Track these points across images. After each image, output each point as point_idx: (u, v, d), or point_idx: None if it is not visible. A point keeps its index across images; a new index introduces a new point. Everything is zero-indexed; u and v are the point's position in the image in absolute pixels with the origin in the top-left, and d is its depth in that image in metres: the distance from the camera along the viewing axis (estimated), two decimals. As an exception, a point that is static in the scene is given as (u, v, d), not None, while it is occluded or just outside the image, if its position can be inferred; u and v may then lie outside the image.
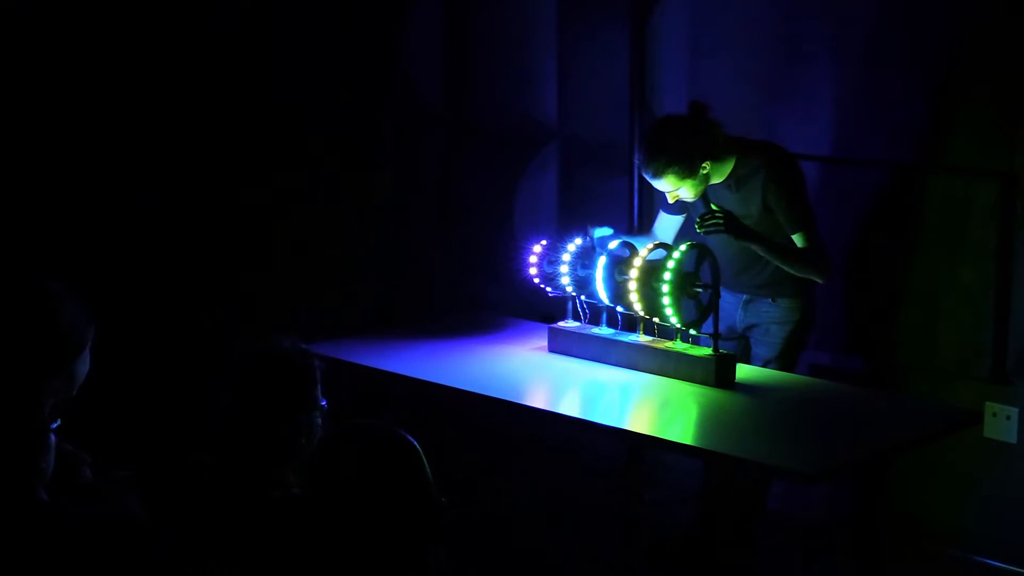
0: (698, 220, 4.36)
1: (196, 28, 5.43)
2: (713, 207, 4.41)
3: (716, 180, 4.48)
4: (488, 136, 5.93)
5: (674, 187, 4.40)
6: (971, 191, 4.71)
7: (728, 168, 4.47)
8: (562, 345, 4.51)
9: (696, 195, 4.45)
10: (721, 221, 4.31)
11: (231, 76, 5.53)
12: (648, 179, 4.42)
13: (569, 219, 5.50)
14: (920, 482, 4.94)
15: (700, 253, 4.27)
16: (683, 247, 4.25)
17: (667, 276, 4.15)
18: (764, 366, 4.63)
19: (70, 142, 5.17)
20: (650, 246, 4.32)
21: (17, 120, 5.07)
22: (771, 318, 4.62)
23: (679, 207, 4.62)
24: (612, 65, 5.49)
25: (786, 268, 4.48)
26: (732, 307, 4.65)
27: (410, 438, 2.50)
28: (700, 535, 4.77)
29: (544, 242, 4.53)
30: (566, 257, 4.44)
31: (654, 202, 4.59)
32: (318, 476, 2.51)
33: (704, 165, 4.38)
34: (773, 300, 4.61)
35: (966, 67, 4.70)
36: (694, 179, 4.38)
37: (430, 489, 2.48)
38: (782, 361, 4.61)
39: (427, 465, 2.49)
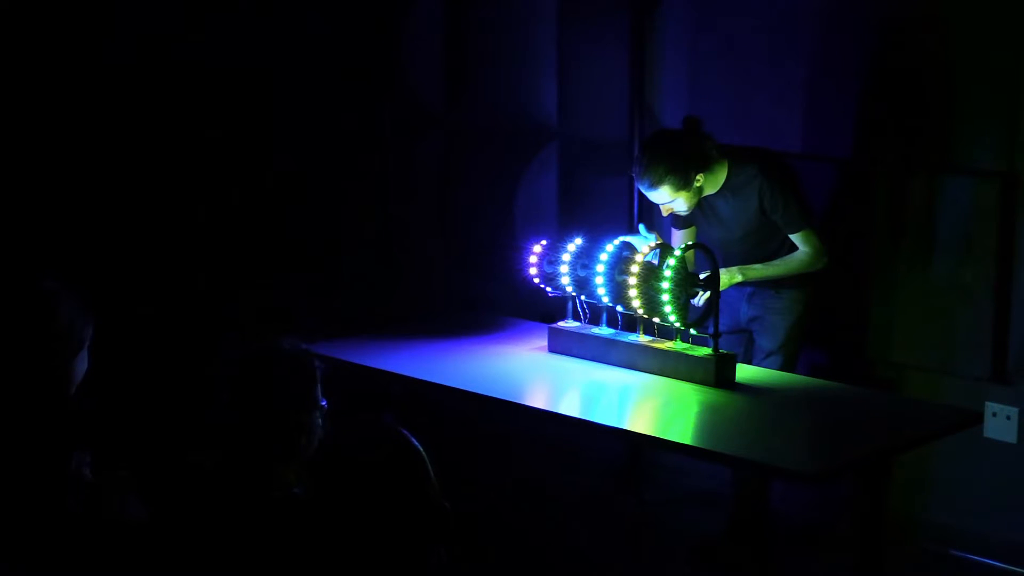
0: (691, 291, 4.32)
1: (195, 26, 5.43)
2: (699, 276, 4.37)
3: (710, 191, 4.55)
4: (488, 136, 5.93)
5: (670, 198, 4.46)
6: (971, 191, 4.71)
7: (721, 178, 4.54)
8: (562, 345, 4.51)
9: (690, 207, 4.52)
10: (715, 287, 4.29)
11: (230, 76, 5.53)
12: (644, 190, 4.49)
13: (569, 219, 5.50)
14: (920, 482, 4.94)
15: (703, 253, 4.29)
16: (683, 247, 4.27)
17: (667, 275, 4.16)
18: (767, 357, 4.66)
19: (69, 142, 5.17)
20: (651, 244, 4.33)
21: (16, 120, 5.06)
22: (775, 309, 4.68)
23: (687, 221, 4.68)
24: (612, 65, 5.49)
25: (790, 277, 4.60)
26: (736, 300, 4.70)
27: (413, 439, 2.50)
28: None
29: (544, 242, 4.53)
30: (566, 257, 4.44)
31: (654, 204, 4.60)
32: (320, 477, 2.51)
33: (698, 178, 4.45)
34: (777, 291, 4.66)
35: (966, 67, 4.70)
36: (688, 191, 4.46)
37: (432, 491, 2.47)
38: (785, 352, 4.67)
39: (431, 468, 2.49)
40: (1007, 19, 4.61)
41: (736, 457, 3.76)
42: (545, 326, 4.61)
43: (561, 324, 4.55)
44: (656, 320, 4.29)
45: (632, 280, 4.23)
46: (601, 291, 4.36)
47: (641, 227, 4.50)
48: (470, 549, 4.45)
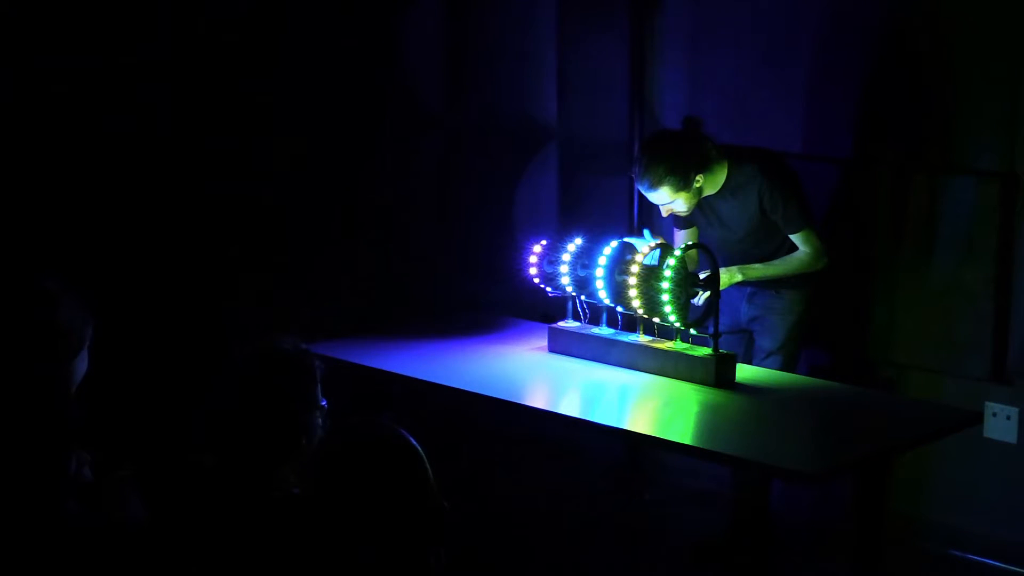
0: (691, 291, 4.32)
1: (196, 27, 5.43)
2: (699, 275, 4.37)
3: (710, 192, 4.55)
4: (488, 136, 5.93)
5: (669, 199, 4.47)
6: (971, 191, 4.71)
7: (721, 179, 4.55)
8: (562, 345, 4.51)
9: (690, 208, 4.52)
10: (715, 287, 4.28)
11: (231, 75, 5.53)
12: (643, 191, 4.50)
13: (569, 219, 5.50)
14: (920, 482, 4.94)
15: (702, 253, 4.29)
16: (683, 247, 4.27)
17: (667, 275, 4.16)
18: (767, 358, 4.66)
19: (70, 142, 5.17)
20: (651, 245, 4.33)
21: (17, 119, 5.06)
22: (775, 309, 4.68)
23: (689, 222, 4.69)
24: (612, 65, 5.49)
25: (790, 277, 4.60)
26: (737, 300, 4.71)
27: (412, 440, 2.50)
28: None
29: (544, 242, 4.53)
30: (566, 257, 4.45)
31: (654, 204, 4.60)
32: (319, 476, 2.50)
33: (698, 179, 4.45)
34: (777, 292, 4.66)
35: (967, 67, 4.70)
36: (688, 192, 4.46)
37: (431, 491, 2.47)
38: (785, 352, 4.67)
39: (429, 467, 2.49)
40: (1007, 19, 4.61)
41: (736, 457, 3.76)
42: (545, 326, 4.61)
43: (561, 324, 4.55)
44: (656, 320, 4.29)
45: (632, 280, 4.23)
46: (602, 293, 4.36)
47: (646, 232, 4.49)
48: (469, 549, 4.45)
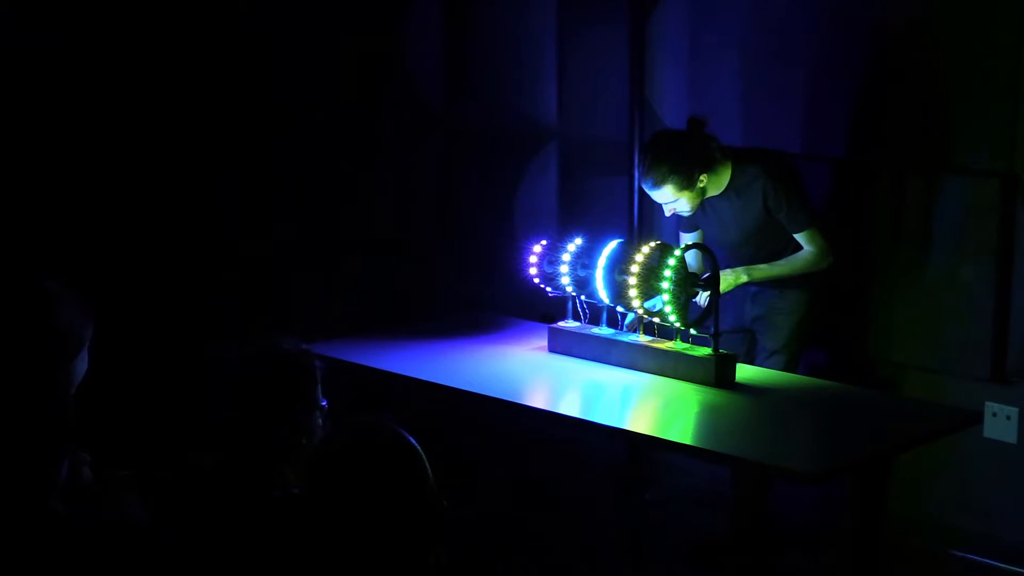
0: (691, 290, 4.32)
1: (196, 28, 5.43)
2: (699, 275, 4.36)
3: (714, 192, 4.55)
4: (488, 136, 5.93)
5: (673, 198, 4.47)
6: (971, 191, 4.71)
7: (725, 179, 4.55)
8: (562, 345, 4.51)
9: (693, 208, 4.52)
10: (715, 287, 4.28)
11: (231, 76, 5.53)
12: (647, 190, 4.50)
13: (569, 219, 5.50)
14: (920, 482, 4.94)
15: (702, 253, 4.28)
16: (683, 247, 4.27)
17: (667, 275, 4.15)
18: (769, 357, 4.66)
19: (70, 142, 5.17)
20: (652, 244, 4.33)
21: (17, 120, 5.07)
22: (778, 309, 4.68)
23: (694, 224, 4.70)
24: (612, 65, 5.49)
25: (794, 276, 4.60)
26: (740, 300, 4.70)
27: (411, 439, 2.50)
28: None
29: (544, 242, 4.53)
30: (566, 257, 4.44)
31: (655, 204, 4.60)
32: (318, 476, 2.50)
33: (702, 178, 4.45)
34: (781, 291, 4.66)
35: (966, 67, 4.70)
36: (691, 191, 4.45)
37: (431, 490, 2.47)
38: (788, 352, 4.67)
39: (428, 466, 2.49)
40: (1006, 19, 4.61)
41: (736, 457, 3.76)
42: (545, 326, 4.61)
43: (561, 324, 4.55)
44: (656, 320, 4.29)
45: (632, 280, 4.23)
46: (602, 293, 4.35)
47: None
48: (469, 549, 4.45)
